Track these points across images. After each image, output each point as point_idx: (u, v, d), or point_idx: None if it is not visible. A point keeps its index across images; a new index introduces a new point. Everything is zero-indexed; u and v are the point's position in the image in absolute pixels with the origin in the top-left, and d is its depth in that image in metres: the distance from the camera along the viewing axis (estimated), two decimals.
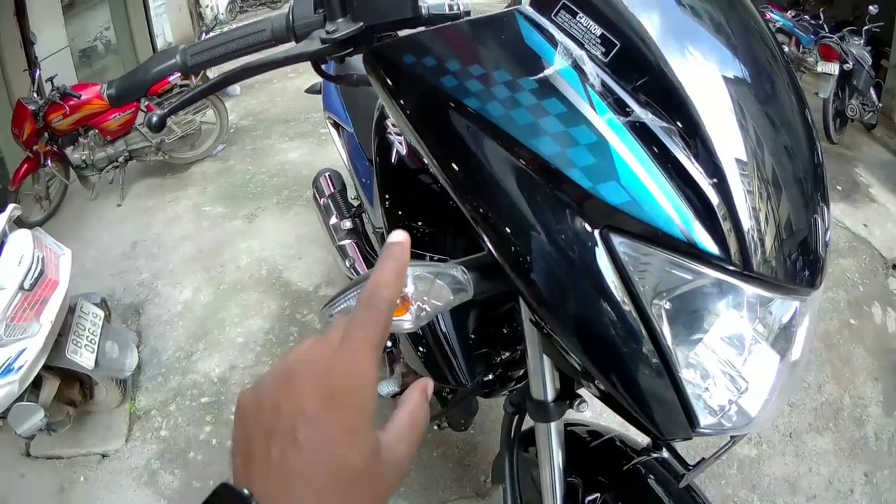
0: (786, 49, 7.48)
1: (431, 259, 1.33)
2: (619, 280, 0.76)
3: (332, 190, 3.02)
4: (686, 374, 0.80)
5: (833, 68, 5.92)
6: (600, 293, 0.77)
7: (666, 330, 0.78)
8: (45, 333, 2.48)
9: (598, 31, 0.78)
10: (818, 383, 3.19)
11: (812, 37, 6.81)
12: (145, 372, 3.37)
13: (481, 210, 0.82)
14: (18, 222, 3.45)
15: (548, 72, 0.79)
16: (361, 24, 0.90)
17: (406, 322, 0.84)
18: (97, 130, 5.14)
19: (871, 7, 6.09)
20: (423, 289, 0.85)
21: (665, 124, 0.76)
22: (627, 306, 0.77)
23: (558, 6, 0.81)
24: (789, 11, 7.74)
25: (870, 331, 3.64)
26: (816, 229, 0.83)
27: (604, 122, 0.76)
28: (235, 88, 6.81)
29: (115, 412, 3.09)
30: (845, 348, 3.46)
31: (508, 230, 0.80)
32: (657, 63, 0.78)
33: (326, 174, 3.14)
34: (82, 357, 2.65)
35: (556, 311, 0.81)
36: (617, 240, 0.75)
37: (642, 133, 0.76)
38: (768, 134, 0.81)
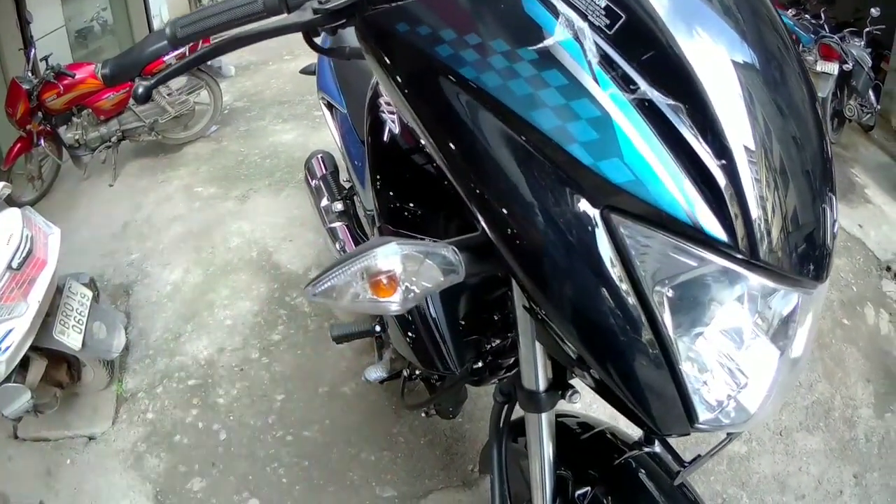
0: None
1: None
2: (620, 264, 0.75)
3: (324, 172, 3.00)
4: (688, 367, 0.79)
5: (832, 68, 5.90)
6: (599, 277, 0.75)
7: (667, 319, 0.76)
8: (33, 314, 2.45)
9: (603, 2, 0.77)
10: (810, 382, 3.19)
11: (812, 36, 6.70)
12: (133, 353, 3.34)
13: (475, 186, 0.80)
14: (11, 200, 3.44)
15: (548, 42, 0.76)
16: None
17: (393, 304, 0.82)
18: (91, 110, 5.11)
19: (872, 9, 6.08)
20: (411, 269, 0.83)
21: (672, 102, 0.74)
22: (627, 292, 0.75)
23: None
24: (790, 10, 7.66)
25: (862, 332, 3.64)
26: (824, 222, 0.82)
27: (607, 96, 0.74)
28: (230, 69, 6.77)
29: (103, 394, 3.06)
30: (838, 348, 3.47)
31: (504, 209, 0.78)
32: (664, 39, 0.76)
33: (319, 156, 3.12)
34: (69, 338, 2.62)
35: (551, 295, 0.80)
36: (619, 221, 0.74)
37: (648, 110, 0.74)
38: (777, 122, 0.79)
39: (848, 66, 5.91)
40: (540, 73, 0.75)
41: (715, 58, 0.77)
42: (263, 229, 4.30)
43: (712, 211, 0.73)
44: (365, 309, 0.85)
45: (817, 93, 0.90)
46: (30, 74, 5.03)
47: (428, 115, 0.84)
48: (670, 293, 0.75)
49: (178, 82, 5.47)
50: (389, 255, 0.81)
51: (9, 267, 2.44)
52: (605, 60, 0.75)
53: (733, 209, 0.73)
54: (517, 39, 0.77)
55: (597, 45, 0.75)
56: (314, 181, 3.01)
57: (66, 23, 7.00)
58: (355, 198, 2.69)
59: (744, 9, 0.85)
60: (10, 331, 2.37)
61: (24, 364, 2.57)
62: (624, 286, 0.75)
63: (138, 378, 3.20)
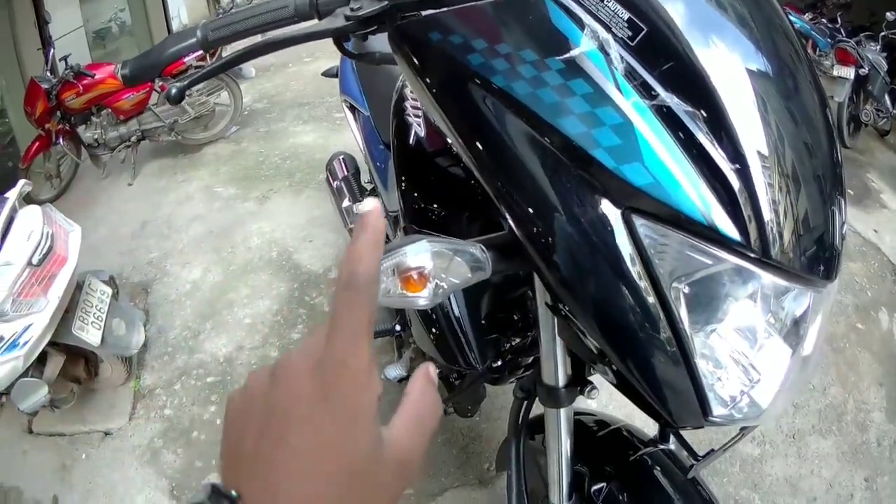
0: None
1: None
2: (640, 262, 0.76)
3: (346, 173, 3.03)
4: (701, 362, 0.80)
5: (848, 72, 5.91)
6: (619, 275, 0.77)
7: (684, 315, 0.78)
8: (52, 309, 2.48)
9: (626, 15, 0.78)
10: (823, 386, 3.20)
11: (829, 40, 6.74)
12: (151, 350, 3.38)
13: (504, 188, 0.82)
14: (30, 198, 3.47)
15: (574, 52, 0.78)
16: (386, 1, 0.90)
17: (422, 299, 0.84)
18: (110, 110, 5.15)
19: (888, 13, 6.12)
20: (441, 265, 0.85)
21: (690, 108, 0.75)
22: (646, 289, 0.77)
23: None
24: (807, 14, 7.68)
25: (876, 336, 3.64)
26: (834, 224, 0.83)
27: (629, 104, 0.76)
28: (251, 71, 6.79)
29: (120, 390, 3.10)
30: (851, 352, 3.47)
31: (531, 209, 0.80)
32: (683, 50, 0.77)
33: (340, 157, 3.14)
34: (88, 334, 2.65)
35: (575, 291, 0.81)
36: (639, 221, 0.75)
37: (667, 117, 0.76)
38: (789, 129, 0.80)
39: (864, 71, 5.92)
40: (566, 82, 0.77)
41: (730, 66, 0.79)
42: (283, 229, 4.32)
43: (726, 212, 0.74)
44: (394, 304, 0.86)
45: (828, 99, 0.92)
46: (48, 74, 5.08)
47: (459, 119, 0.86)
48: (687, 290, 0.77)
49: (198, 84, 5.47)
50: (420, 252, 0.83)
51: (29, 263, 2.47)
52: (628, 70, 0.77)
53: (747, 211, 0.75)
54: (545, 50, 0.79)
55: (620, 55, 0.77)
56: (336, 182, 3.03)
57: (85, 23, 7.05)
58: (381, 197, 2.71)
59: (758, 19, 0.86)
60: (30, 326, 2.41)
61: (41, 359, 2.61)
62: (643, 283, 0.77)
63: (156, 375, 3.23)
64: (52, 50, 5.38)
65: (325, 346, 0.43)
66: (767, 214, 0.75)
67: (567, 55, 0.78)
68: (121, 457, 2.82)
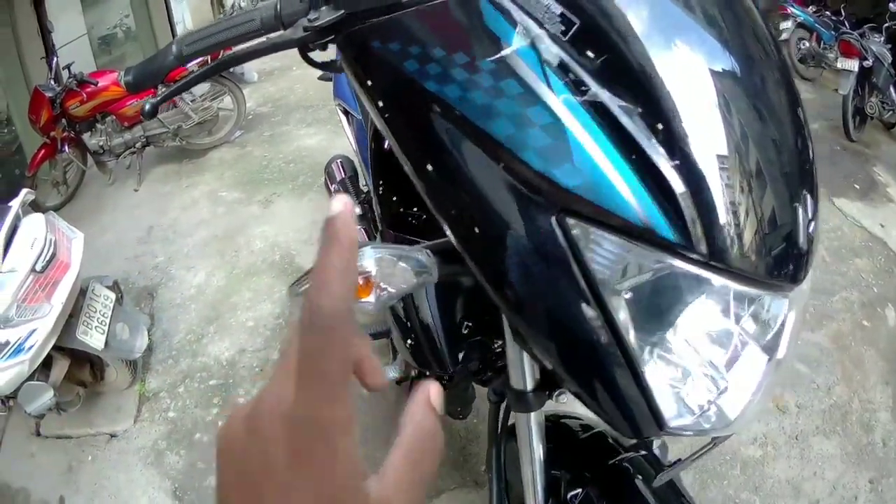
0: (806, 44, 7.46)
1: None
2: (578, 268, 0.74)
3: (343, 176, 3.04)
4: (652, 370, 0.78)
5: (853, 65, 5.86)
6: (556, 281, 0.76)
7: (627, 323, 0.75)
8: (56, 315, 2.53)
9: (559, 9, 0.77)
10: (828, 385, 3.16)
11: (833, 33, 6.71)
12: (156, 354, 3.42)
13: (439, 194, 0.82)
14: (37, 205, 3.52)
15: (505, 52, 0.77)
16: (342, 11, 0.90)
17: (368, 304, 0.85)
18: (114, 117, 5.20)
19: (891, 4, 6.07)
20: (386, 272, 0.86)
21: (625, 104, 0.73)
22: (586, 297, 0.75)
23: None
24: (810, 7, 7.68)
25: (883, 333, 3.60)
26: (801, 224, 0.81)
27: (560, 101, 0.74)
28: (253, 75, 6.82)
29: (125, 393, 3.14)
30: (857, 350, 3.42)
31: (464, 215, 0.79)
32: (622, 43, 0.76)
33: (338, 160, 3.16)
34: (92, 338, 2.70)
35: (510, 298, 0.80)
36: (573, 224, 0.73)
37: (601, 114, 0.73)
38: (755, 127, 0.79)
39: (868, 63, 5.86)
40: (497, 83, 0.76)
41: (683, 62, 0.77)
42: (287, 233, 4.36)
43: (665, 213, 0.72)
44: None
45: (800, 97, 0.89)
46: (52, 82, 5.13)
47: (396, 125, 0.86)
48: (629, 296, 0.75)
49: (202, 88, 5.54)
50: (365, 259, 0.84)
51: (32, 270, 2.52)
52: (561, 66, 0.75)
53: (690, 212, 0.72)
54: (478, 51, 0.78)
55: (552, 51, 0.75)
56: (334, 185, 3.05)
57: (89, 30, 7.09)
58: (372, 201, 2.73)
59: (725, 17, 0.85)
60: (34, 331, 2.45)
61: (47, 363, 2.65)
62: (582, 290, 0.75)
63: (161, 378, 3.28)
64: (55, 58, 5.44)
65: (293, 398, 0.36)
66: (724, 217, 0.73)
67: (497, 55, 0.77)
68: (126, 458, 2.86)
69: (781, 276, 0.79)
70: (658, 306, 0.77)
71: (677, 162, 0.72)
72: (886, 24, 6.19)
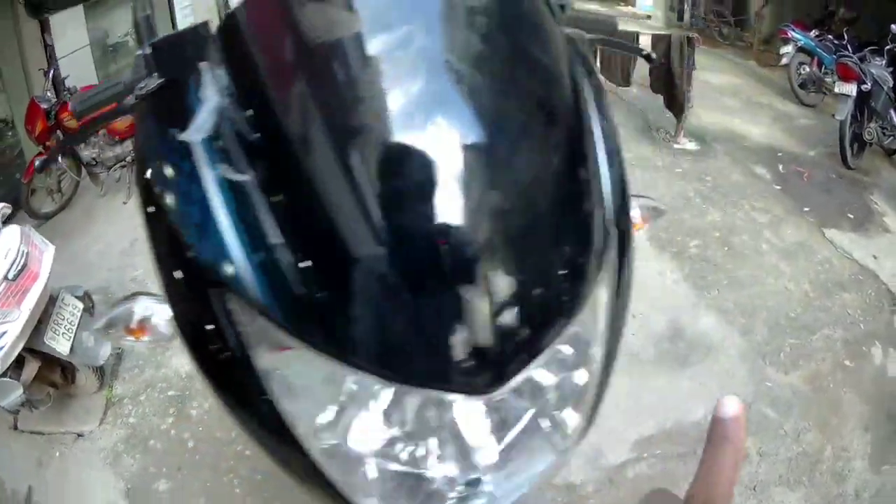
0: (807, 69, 7.35)
1: None
2: (242, 351, 0.74)
3: None
4: (334, 471, 0.76)
5: (850, 89, 5.71)
6: (232, 368, 0.76)
7: (294, 420, 0.74)
8: (24, 319, 2.72)
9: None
10: (797, 431, 3.01)
11: (834, 56, 6.55)
12: (125, 363, 3.59)
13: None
14: (32, 212, 3.74)
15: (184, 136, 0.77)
16: (162, 79, 0.88)
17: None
18: (106, 130, 5.32)
19: (893, 26, 5.86)
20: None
21: (274, 196, 0.72)
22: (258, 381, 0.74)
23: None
24: (812, 31, 7.54)
25: (867, 373, 3.46)
26: (490, 328, 0.67)
27: (215, 183, 0.74)
28: None
29: (94, 397, 3.34)
30: (835, 393, 3.28)
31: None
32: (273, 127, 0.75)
33: None
34: (59, 343, 2.90)
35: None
36: (231, 309, 0.73)
37: (252, 198, 0.72)
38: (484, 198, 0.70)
39: (867, 87, 5.66)
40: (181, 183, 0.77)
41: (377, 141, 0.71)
42: None
43: (308, 311, 0.69)
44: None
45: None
46: (48, 94, 5.27)
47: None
48: (293, 395, 0.74)
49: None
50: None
51: (5, 278, 2.72)
52: (226, 152, 0.74)
53: (328, 308, 0.69)
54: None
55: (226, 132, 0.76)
56: None
57: (91, 42, 7.16)
58: None
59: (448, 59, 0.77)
60: (4, 333, 2.66)
61: (20, 363, 2.85)
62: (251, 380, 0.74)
63: (126, 385, 3.46)
64: (52, 71, 5.58)
65: None
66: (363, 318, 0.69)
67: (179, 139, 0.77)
68: (89, 457, 3.06)
69: (481, 381, 0.69)
70: (325, 407, 0.77)
71: (315, 260, 0.69)
72: (888, 47, 6.03)
